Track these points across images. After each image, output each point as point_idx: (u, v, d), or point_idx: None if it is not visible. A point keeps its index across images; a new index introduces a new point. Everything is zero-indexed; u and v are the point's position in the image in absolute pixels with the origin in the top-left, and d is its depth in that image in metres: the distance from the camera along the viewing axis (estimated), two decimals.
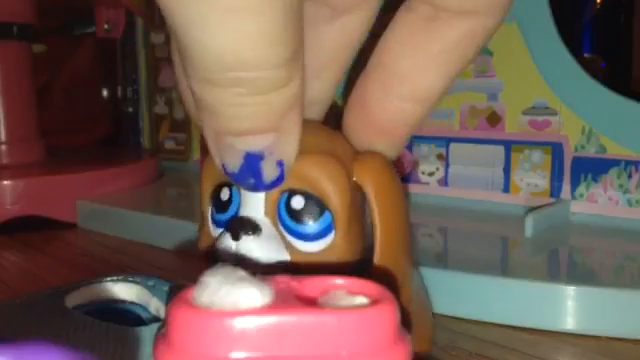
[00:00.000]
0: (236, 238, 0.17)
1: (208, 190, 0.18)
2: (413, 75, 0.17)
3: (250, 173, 0.16)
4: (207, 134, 0.16)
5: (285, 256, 0.17)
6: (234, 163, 0.16)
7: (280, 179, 0.16)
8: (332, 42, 0.18)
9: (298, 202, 0.17)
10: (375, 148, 0.18)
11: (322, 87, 0.19)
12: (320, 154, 0.17)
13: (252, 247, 0.17)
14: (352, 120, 0.19)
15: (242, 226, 0.17)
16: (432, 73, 0.17)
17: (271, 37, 0.13)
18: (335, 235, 0.17)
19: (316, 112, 0.19)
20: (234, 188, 0.18)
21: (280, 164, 0.16)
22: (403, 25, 0.17)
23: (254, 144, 0.15)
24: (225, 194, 0.18)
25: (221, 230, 0.18)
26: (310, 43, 0.16)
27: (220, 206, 0.18)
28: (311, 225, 0.17)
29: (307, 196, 0.17)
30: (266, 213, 0.17)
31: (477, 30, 0.16)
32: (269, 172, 0.16)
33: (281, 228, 0.17)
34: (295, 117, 0.15)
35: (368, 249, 0.18)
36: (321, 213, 0.17)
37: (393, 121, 0.18)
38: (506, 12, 0.16)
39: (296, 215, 0.17)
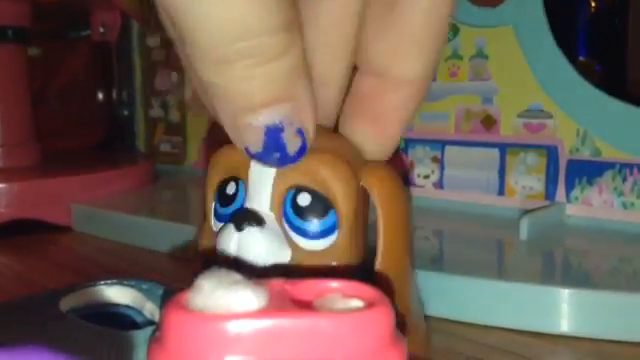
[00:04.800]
0: (239, 229, 0.17)
1: (214, 185, 0.18)
2: (394, 63, 0.18)
3: (274, 147, 0.16)
4: (225, 121, 0.16)
5: (286, 252, 0.17)
6: (256, 141, 0.16)
7: (303, 148, 0.16)
8: (333, 14, 0.18)
9: (304, 199, 0.17)
10: (368, 140, 0.19)
11: (328, 65, 0.19)
12: (331, 154, 0.17)
13: (254, 239, 0.16)
14: (348, 114, 0.19)
15: (245, 218, 0.17)
16: (410, 56, 0.18)
17: (262, 4, 0.14)
18: (338, 235, 0.17)
19: (327, 94, 0.19)
20: (240, 182, 0.18)
21: (300, 132, 0.16)
22: (370, 15, 0.17)
23: (271, 116, 0.15)
24: (231, 188, 0.18)
25: (222, 224, 0.18)
26: (310, 20, 0.17)
27: (225, 200, 0.18)
28: (315, 223, 0.17)
29: (314, 194, 0.17)
30: (271, 208, 0.17)
31: (437, 3, 0.17)
32: (292, 142, 0.16)
33: (285, 224, 0.17)
34: (304, 83, 0.16)
35: (368, 254, 0.18)
36: (326, 212, 0.17)
37: (386, 112, 0.18)
38: None
39: (301, 212, 0.17)
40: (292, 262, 0.17)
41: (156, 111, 0.62)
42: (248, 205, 0.17)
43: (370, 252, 0.18)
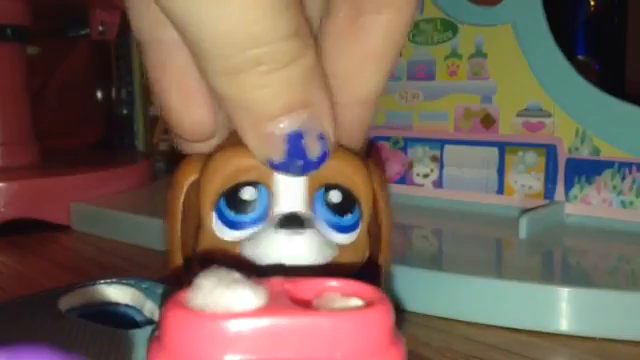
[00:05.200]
0: (292, 233, 0.17)
1: (213, 194, 0.18)
2: (351, 78, 0.17)
3: (296, 155, 0.16)
4: (245, 133, 0.16)
5: (333, 249, 0.17)
6: (279, 151, 0.16)
7: (325, 154, 0.16)
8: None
9: (336, 196, 0.17)
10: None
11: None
12: (344, 151, 0.18)
13: (306, 242, 0.17)
14: None
15: (296, 221, 0.17)
16: (367, 72, 0.17)
17: (272, 10, 0.14)
18: (359, 229, 0.18)
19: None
20: (261, 186, 0.17)
21: (321, 138, 0.16)
22: (331, 28, 0.17)
23: (291, 123, 0.15)
24: (248, 193, 0.17)
25: (239, 231, 0.17)
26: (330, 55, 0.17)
27: (240, 206, 0.17)
28: (349, 217, 0.17)
29: (342, 190, 0.17)
30: (306, 208, 0.17)
31: (397, 24, 0.17)
32: (314, 149, 0.16)
33: (319, 222, 0.17)
34: (321, 88, 0.16)
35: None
36: (354, 206, 0.17)
37: (342, 124, 0.18)
38: (416, 6, 0.17)
39: (336, 208, 0.17)
40: (335, 259, 0.17)
41: (155, 110, 0.62)
42: (278, 209, 0.17)
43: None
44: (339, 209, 0.17)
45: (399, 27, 0.17)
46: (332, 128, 0.16)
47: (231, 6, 0.14)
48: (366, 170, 0.18)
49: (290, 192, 0.17)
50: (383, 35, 0.17)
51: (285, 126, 0.15)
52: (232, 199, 0.17)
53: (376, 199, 0.18)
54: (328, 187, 0.17)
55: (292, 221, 0.17)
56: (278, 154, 0.16)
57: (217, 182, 0.17)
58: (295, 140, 0.16)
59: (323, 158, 0.16)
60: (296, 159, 0.16)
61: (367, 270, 0.18)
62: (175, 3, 0.14)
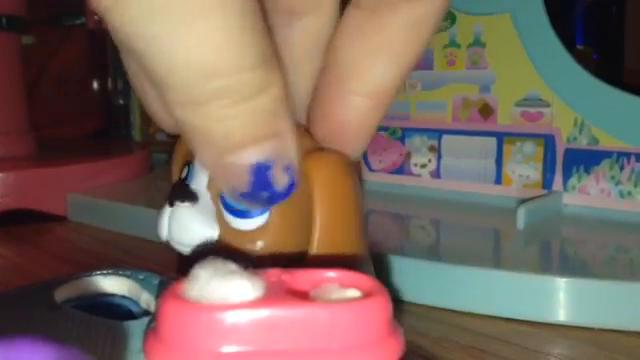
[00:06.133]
0: (171, 204, 0.17)
1: (177, 173, 0.19)
2: (362, 68, 0.17)
3: (262, 186, 0.15)
4: (206, 163, 0.15)
5: (213, 229, 0.17)
6: (243, 182, 0.15)
7: (292, 185, 0.16)
8: (295, 45, 0.18)
9: None
10: (334, 147, 0.18)
11: (297, 92, 0.18)
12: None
13: (183, 214, 0.17)
14: (312, 118, 0.18)
15: (178, 194, 0.17)
16: (380, 64, 0.17)
17: (241, 38, 0.13)
18: (269, 217, 0.17)
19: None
20: (191, 165, 0.18)
21: (288, 168, 0.15)
22: (350, 19, 0.17)
23: (255, 155, 0.15)
24: (185, 171, 0.18)
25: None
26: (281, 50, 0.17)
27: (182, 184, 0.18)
28: None
29: None
30: (208, 186, 0.17)
31: (421, 17, 0.16)
32: (280, 180, 0.15)
33: (220, 204, 0.17)
34: (287, 119, 0.15)
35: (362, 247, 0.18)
36: None
37: (348, 118, 0.17)
38: None
39: None
40: (220, 239, 0.17)
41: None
42: (192, 184, 0.17)
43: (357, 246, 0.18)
44: None
45: (423, 19, 0.16)
46: (297, 158, 0.16)
47: (194, 34, 0.13)
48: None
49: (199, 169, 0.17)
50: (402, 27, 0.16)
51: (249, 157, 0.15)
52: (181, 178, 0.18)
53: (312, 197, 0.17)
54: None
55: (173, 193, 0.17)
56: (242, 186, 0.15)
57: (176, 164, 0.19)
58: (261, 171, 0.15)
59: (290, 189, 0.16)
60: (261, 190, 0.15)
61: (279, 261, 0.17)
62: (129, 28, 0.13)
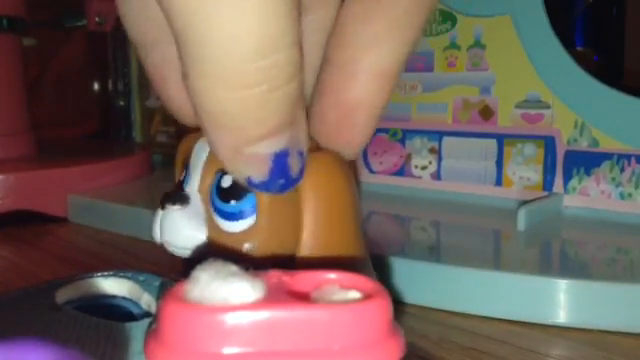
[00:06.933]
0: (162, 208, 0.17)
1: (179, 175, 0.19)
2: (371, 49, 0.17)
3: (279, 174, 0.15)
4: (224, 153, 0.15)
5: (202, 231, 0.17)
6: (262, 171, 0.15)
7: (302, 170, 0.16)
8: (302, 41, 0.18)
9: (227, 181, 0.17)
10: (338, 141, 0.18)
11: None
12: None
13: (173, 217, 0.17)
14: (316, 113, 0.18)
15: (169, 197, 0.17)
16: (388, 45, 0.17)
17: (281, 14, 0.13)
18: (257, 219, 0.17)
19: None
20: (188, 167, 0.18)
21: (300, 154, 0.15)
22: (354, 2, 0.17)
23: (279, 143, 0.15)
24: (182, 174, 0.18)
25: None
26: None
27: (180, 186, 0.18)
28: (233, 204, 0.17)
29: None
30: (199, 190, 0.17)
31: None
32: (295, 166, 0.15)
33: (210, 207, 0.17)
34: (303, 104, 0.15)
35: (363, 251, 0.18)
36: (243, 195, 0.17)
37: (361, 96, 0.17)
38: None
39: (222, 193, 0.17)
40: (209, 242, 0.17)
41: (152, 101, 0.62)
42: (186, 187, 0.18)
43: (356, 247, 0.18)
44: (224, 194, 0.17)
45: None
46: (307, 142, 0.16)
47: (247, 5, 0.13)
48: None
49: (192, 172, 0.18)
50: (407, 7, 0.16)
51: (273, 145, 0.15)
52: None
53: (302, 198, 0.17)
54: (224, 172, 0.17)
55: (164, 197, 0.17)
56: (260, 175, 0.15)
57: (178, 166, 0.19)
58: (280, 159, 0.15)
59: (301, 174, 0.16)
60: (278, 178, 0.15)
61: (267, 263, 0.17)
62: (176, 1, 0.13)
